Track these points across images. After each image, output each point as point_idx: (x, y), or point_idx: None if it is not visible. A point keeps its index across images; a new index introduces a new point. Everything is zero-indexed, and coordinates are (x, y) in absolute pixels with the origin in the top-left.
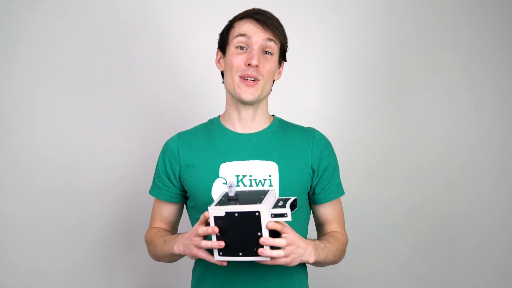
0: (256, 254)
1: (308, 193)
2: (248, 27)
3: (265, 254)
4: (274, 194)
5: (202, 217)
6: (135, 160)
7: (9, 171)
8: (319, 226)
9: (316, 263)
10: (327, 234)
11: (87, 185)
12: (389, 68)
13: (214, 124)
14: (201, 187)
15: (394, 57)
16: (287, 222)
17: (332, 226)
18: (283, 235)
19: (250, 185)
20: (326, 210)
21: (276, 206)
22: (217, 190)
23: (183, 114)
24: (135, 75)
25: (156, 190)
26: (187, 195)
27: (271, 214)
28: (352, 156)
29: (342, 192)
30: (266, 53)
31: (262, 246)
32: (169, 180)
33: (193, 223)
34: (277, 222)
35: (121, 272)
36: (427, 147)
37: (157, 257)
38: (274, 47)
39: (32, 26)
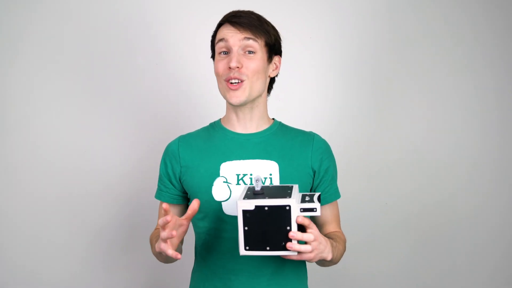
0: (284, 249)
1: None
2: (225, 31)
3: (294, 248)
4: (297, 190)
5: (160, 209)
6: (135, 160)
7: (8, 171)
8: (317, 227)
9: (328, 262)
10: (331, 234)
11: (86, 185)
12: (389, 68)
13: (215, 127)
14: (202, 187)
15: (394, 57)
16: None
17: (331, 227)
18: (308, 230)
19: (251, 184)
20: (326, 212)
21: (303, 201)
22: (218, 190)
23: (183, 114)
24: (135, 75)
25: (158, 192)
26: (188, 196)
27: (300, 209)
28: (352, 156)
29: (339, 195)
30: (249, 53)
31: (290, 241)
32: (170, 181)
33: (194, 225)
34: (305, 217)
35: (120, 272)
36: (427, 147)
37: (156, 257)
38: (254, 45)
39: (32, 26)
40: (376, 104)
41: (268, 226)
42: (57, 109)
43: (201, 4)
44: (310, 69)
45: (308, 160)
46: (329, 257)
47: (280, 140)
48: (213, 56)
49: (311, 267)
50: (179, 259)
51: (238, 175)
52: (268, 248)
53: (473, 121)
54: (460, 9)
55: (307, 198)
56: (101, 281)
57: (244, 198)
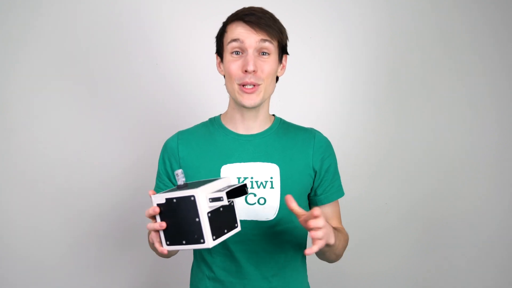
0: (198, 242)
1: (309, 194)
2: (240, 31)
3: (313, 250)
4: (227, 182)
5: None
6: (133, 159)
7: (7, 170)
8: None
9: (328, 247)
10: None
11: (84, 184)
12: (389, 69)
13: (215, 124)
14: None
15: (395, 57)
16: (226, 206)
17: (332, 223)
18: (313, 219)
19: (252, 187)
20: (327, 211)
21: (219, 191)
22: None
23: (182, 114)
24: (134, 75)
25: (156, 190)
26: None
27: (209, 199)
28: (353, 156)
29: (342, 193)
30: (263, 54)
31: (201, 232)
32: (169, 179)
33: None
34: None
35: (119, 271)
36: (428, 147)
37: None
38: (270, 46)
39: (32, 26)
40: (376, 104)
41: (181, 219)
42: (56, 108)
43: (201, 4)
44: (310, 69)
45: (309, 160)
46: (331, 240)
47: (281, 140)
48: (218, 52)
49: (311, 268)
50: (165, 254)
51: (239, 178)
52: (184, 242)
53: (473, 122)
54: (462, 10)
55: (222, 189)
56: (99, 280)
57: (163, 193)
